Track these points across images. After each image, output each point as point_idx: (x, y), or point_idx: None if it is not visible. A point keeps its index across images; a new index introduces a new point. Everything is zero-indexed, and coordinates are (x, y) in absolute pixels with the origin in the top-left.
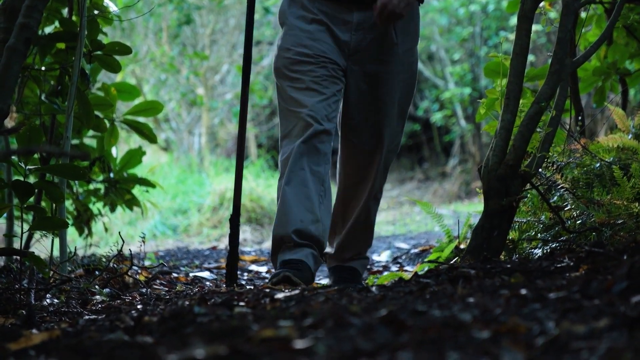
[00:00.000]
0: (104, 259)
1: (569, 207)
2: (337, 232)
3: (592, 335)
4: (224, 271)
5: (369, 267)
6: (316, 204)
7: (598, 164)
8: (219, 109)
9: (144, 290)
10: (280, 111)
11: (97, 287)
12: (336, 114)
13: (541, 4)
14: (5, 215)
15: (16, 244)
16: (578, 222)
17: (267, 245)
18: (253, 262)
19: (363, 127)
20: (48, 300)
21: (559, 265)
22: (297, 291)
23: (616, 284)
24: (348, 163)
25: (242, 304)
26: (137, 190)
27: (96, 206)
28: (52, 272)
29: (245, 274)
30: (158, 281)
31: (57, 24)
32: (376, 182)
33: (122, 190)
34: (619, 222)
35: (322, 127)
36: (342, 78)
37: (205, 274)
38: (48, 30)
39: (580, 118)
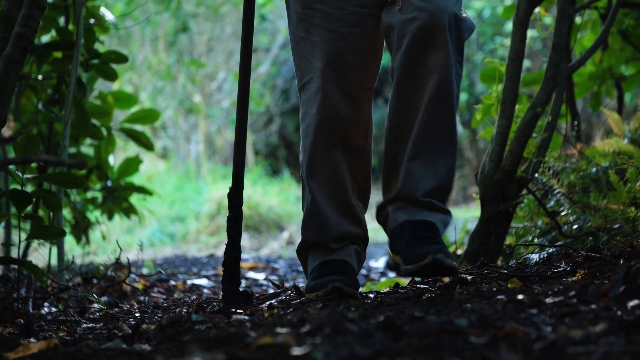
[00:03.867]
0: (101, 267)
1: (565, 212)
2: (397, 161)
3: (589, 340)
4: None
5: (366, 272)
6: (352, 202)
7: (594, 169)
8: (216, 116)
9: (141, 298)
10: (293, 50)
11: (95, 295)
12: None
13: (536, 10)
14: (2, 224)
15: (14, 253)
16: (574, 226)
17: (265, 252)
18: (251, 269)
19: None
20: (46, 309)
21: (555, 270)
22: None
23: (613, 288)
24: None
25: (239, 311)
26: (134, 198)
27: (94, 214)
28: (49, 281)
29: (243, 281)
30: (156, 289)
31: (53, 32)
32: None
33: (119, 198)
34: (616, 226)
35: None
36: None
37: (203, 282)
38: (45, 39)
39: (576, 123)
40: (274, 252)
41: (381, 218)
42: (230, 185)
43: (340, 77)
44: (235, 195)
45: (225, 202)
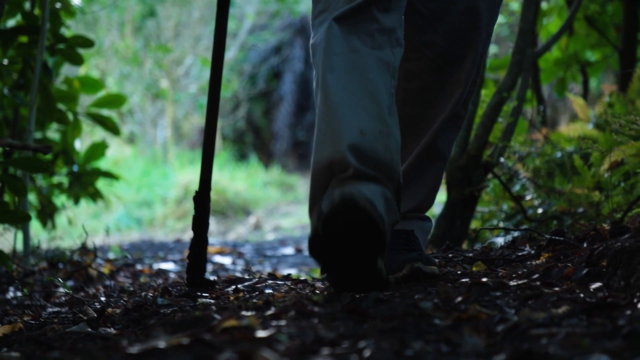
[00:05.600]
0: (67, 252)
1: (530, 196)
2: None
3: (552, 322)
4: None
5: None
6: (385, 103)
7: (559, 154)
8: (183, 101)
9: (107, 282)
10: None
11: (60, 279)
12: None
13: None
14: None
15: None
16: (539, 210)
17: (232, 236)
18: (217, 253)
19: None
20: (11, 294)
21: (520, 254)
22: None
23: (576, 271)
24: (415, 51)
25: (205, 294)
26: (101, 183)
27: (60, 199)
28: (15, 265)
29: (210, 265)
30: (122, 273)
31: (19, 17)
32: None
33: (85, 183)
34: (580, 210)
35: None
36: None
37: (170, 266)
38: (10, 23)
39: (541, 108)
40: (240, 237)
41: None
42: (197, 177)
43: None
44: (202, 198)
45: (192, 186)
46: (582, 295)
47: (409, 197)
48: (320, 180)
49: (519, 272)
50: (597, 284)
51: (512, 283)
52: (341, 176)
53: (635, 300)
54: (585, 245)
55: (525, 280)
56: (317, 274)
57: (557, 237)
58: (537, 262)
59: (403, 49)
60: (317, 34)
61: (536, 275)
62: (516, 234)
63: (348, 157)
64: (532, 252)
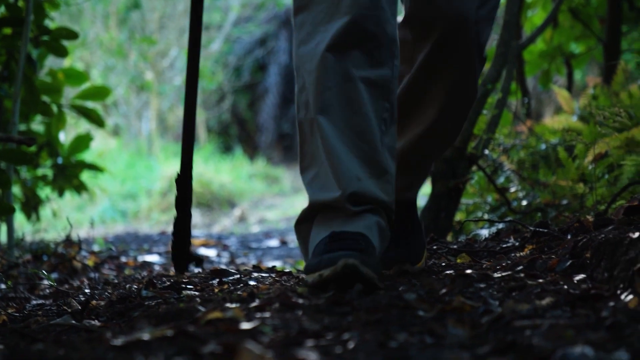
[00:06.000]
0: (52, 244)
1: (515, 188)
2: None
3: (536, 314)
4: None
5: None
6: (377, 137)
7: (544, 146)
8: (168, 93)
9: (92, 274)
10: None
11: (45, 272)
12: None
13: None
14: None
15: None
16: (524, 202)
17: (217, 228)
18: (202, 245)
19: None
20: None
21: (504, 246)
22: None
23: (560, 263)
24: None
25: (190, 286)
26: (85, 176)
27: (44, 192)
28: None
29: None
30: (106, 266)
31: (3, 9)
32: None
33: (70, 175)
34: (564, 202)
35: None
36: None
37: (154, 258)
38: None
39: (526, 100)
40: (225, 229)
41: None
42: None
43: None
44: (184, 178)
45: None
46: (565, 286)
47: (406, 185)
48: (316, 211)
49: (503, 264)
50: (581, 276)
51: (496, 275)
52: (339, 212)
53: (618, 292)
54: (569, 237)
55: (509, 272)
56: (301, 266)
57: (541, 229)
58: (521, 253)
59: (399, 54)
60: (304, 50)
61: (520, 267)
62: (500, 226)
63: (346, 205)
64: (516, 244)
